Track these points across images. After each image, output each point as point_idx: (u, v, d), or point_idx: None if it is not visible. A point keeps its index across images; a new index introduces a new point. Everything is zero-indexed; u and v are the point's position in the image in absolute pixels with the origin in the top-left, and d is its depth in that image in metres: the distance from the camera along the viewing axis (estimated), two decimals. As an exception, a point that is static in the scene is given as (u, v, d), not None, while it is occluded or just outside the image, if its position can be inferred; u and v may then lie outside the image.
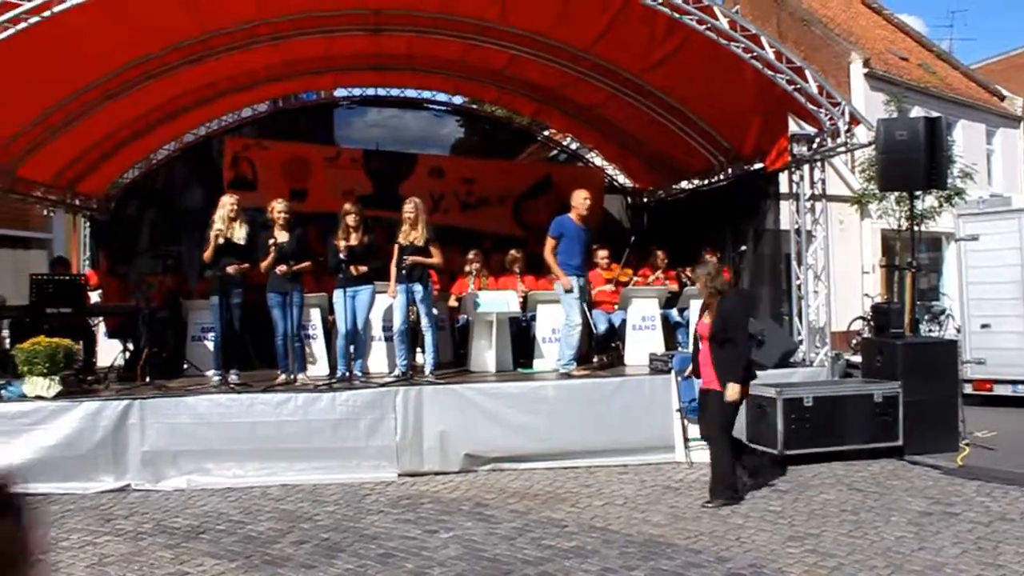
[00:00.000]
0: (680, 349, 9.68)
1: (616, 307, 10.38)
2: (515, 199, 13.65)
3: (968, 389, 10.78)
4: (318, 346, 9.60)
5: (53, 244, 14.27)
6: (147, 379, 8.46)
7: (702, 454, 7.03)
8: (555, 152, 15.25)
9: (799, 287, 9.84)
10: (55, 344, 7.83)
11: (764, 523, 6.19)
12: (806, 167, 9.75)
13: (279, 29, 9.99)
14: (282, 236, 8.64)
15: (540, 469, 7.99)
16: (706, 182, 12.11)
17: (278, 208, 8.77)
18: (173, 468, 7.56)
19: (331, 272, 8.75)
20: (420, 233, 8.58)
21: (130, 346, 9.55)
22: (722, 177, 11.60)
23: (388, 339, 9.27)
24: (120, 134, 11.31)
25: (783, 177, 10.29)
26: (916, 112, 19.30)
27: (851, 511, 6.44)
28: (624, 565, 5.26)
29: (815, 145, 9.41)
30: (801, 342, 9.69)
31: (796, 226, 9.89)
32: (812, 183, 9.78)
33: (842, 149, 9.74)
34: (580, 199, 8.86)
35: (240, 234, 8.62)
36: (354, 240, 8.56)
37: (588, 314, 9.27)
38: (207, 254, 8.54)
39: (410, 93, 13.93)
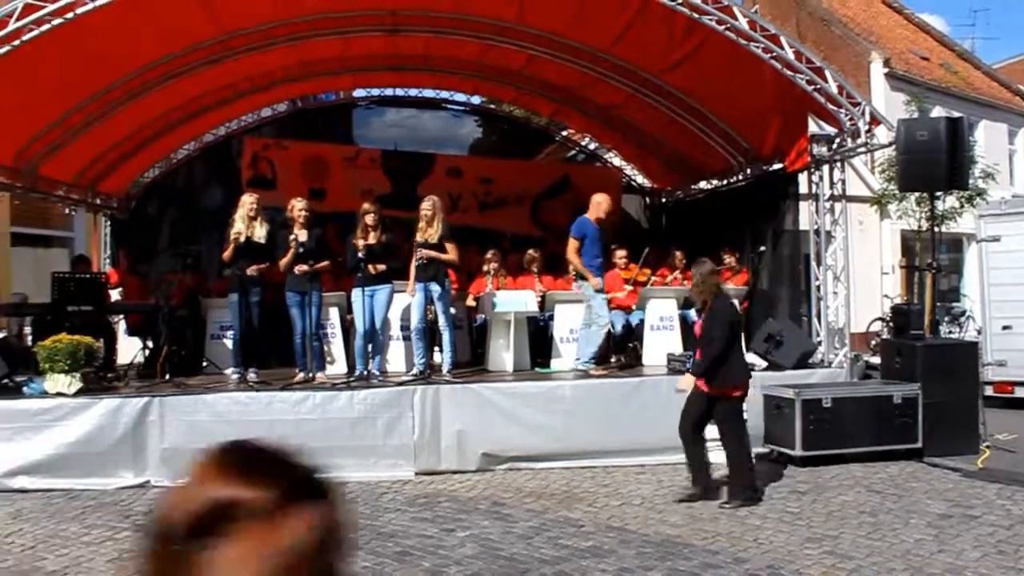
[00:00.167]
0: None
1: (634, 307, 10.37)
2: (533, 199, 13.64)
3: (989, 391, 10.65)
4: (336, 345, 9.65)
5: (74, 243, 14.37)
6: (166, 377, 8.52)
7: (719, 455, 7.00)
8: (573, 152, 15.21)
9: (818, 288, 9.77)
10: (76, 341, 7.89)
11: (782, 524, 6.17)
12: (826, 167, 9.68)
13: (296, 30, 10.03)
14: (302, 235, 8.66)
15: (557, 469, 8.00)
16: (725, 182, 12.04)
17: (299, 207, 8.80)
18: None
19: (349, 271, 8.79)
20: (435, 230, 8.60)
21: (150, 344, 9.60)
22: (741, 177, 11.54)
23: (406, 338, 9.28)
24: (141, 134, 11.39)
25: (802, 177, 10.23)
26: (937, 112, 19.11)
27: (870, 513, 6.41)
28: (641, 565, 5.26)
29: (835, 145, 9.34)
30: (820, 343, 9.63)
31: (815, 227, 9.82)
32: (832, 183, 9.71)
33: (862, 150, 9.67)
34: (599, 202, 8.96)
35: (260, 233, 8.66)
36: (372, 239, 8.59)
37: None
38: (227, 254, 8.60)
39: (428, 93, 13.95)
